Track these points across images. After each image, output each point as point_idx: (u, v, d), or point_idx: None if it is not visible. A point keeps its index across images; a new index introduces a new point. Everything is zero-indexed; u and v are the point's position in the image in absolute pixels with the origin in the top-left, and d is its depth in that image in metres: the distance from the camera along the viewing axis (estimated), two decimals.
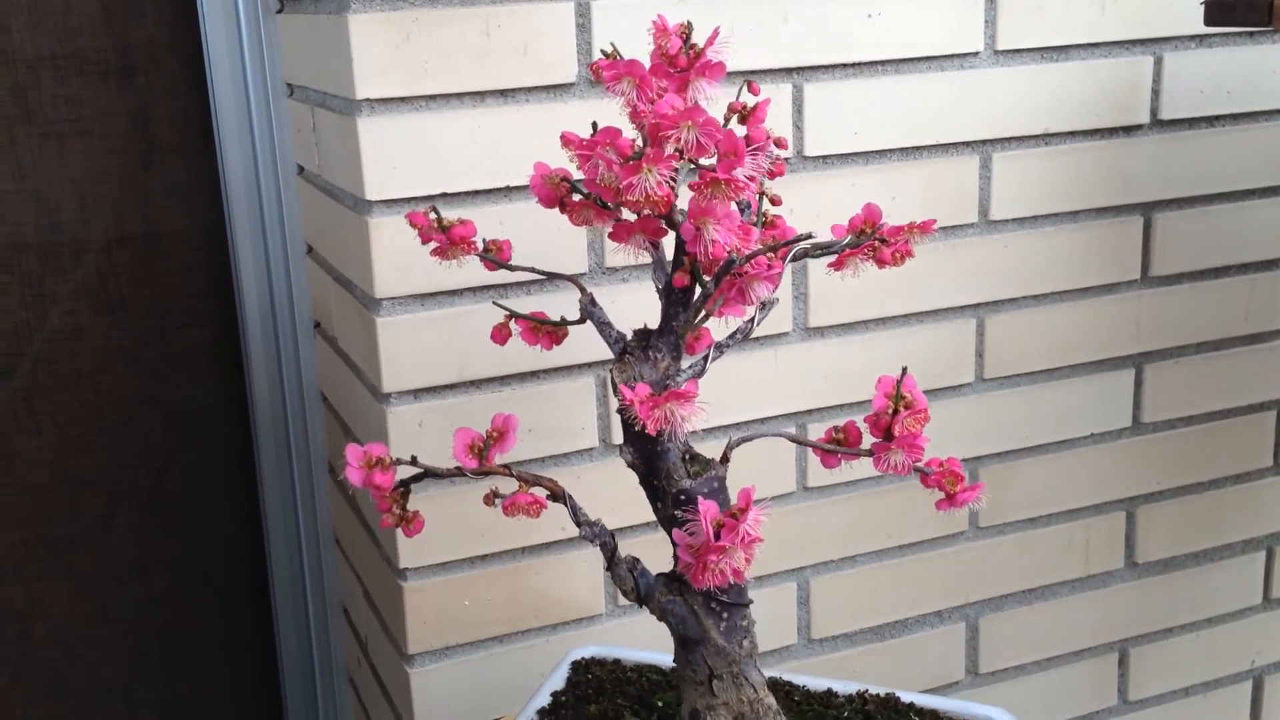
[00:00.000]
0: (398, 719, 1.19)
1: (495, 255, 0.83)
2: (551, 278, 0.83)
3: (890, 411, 0.76)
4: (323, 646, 1.44)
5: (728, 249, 0.71)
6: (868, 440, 0.78)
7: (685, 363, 0.79)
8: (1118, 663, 1.42)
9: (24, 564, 1.39)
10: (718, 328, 0.82)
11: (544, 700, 0.96)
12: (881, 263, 0.79)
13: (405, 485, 0.80)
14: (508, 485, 0.80)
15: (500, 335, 0.85)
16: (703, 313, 0.78)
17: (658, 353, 0.78)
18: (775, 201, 0.80)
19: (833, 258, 0.80)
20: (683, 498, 0.78)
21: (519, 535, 1.13)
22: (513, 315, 0.84)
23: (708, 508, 0.70)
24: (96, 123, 1.32)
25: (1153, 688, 1.44)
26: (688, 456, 0.79)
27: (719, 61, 0.71)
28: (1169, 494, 1.38)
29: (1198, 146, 1.29)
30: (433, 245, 0.81)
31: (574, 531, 0.88)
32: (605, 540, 0.81)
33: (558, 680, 0.98)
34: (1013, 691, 1.37)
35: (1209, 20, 1.09)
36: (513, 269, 0.84)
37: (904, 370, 0.77)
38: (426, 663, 1.13)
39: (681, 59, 0.72)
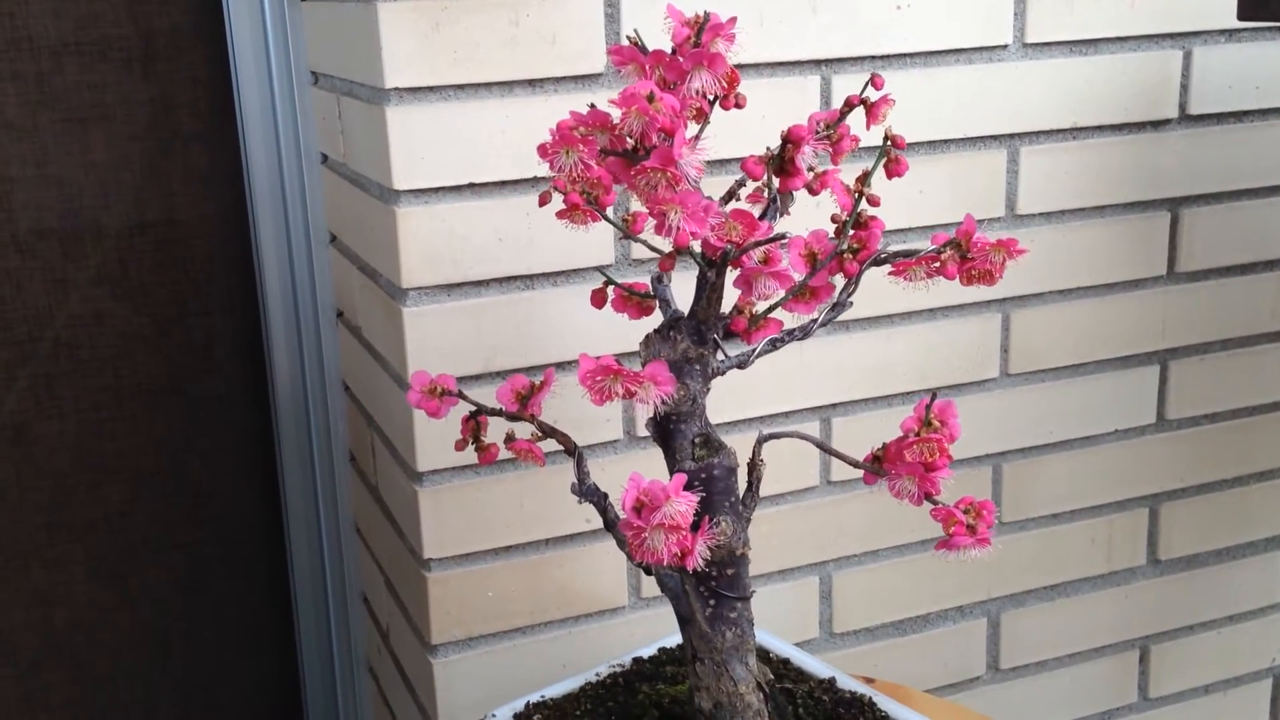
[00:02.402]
0: (420, 709, 1.20)
1: (628, 228, 0.82)
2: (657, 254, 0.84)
3: (914, 434, 0.75)
4: (342, 635, 1.45)
5: (693, 236, 0.70)
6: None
7: (734, 350, 0.79)
8: (1138, 660, 1.41)
9: (45, 548, 1.39)
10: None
11: (626, 660, 0.98)
12: (954, 278, 0.76)
13: (474, 418, 0.83)
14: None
15: (598, 299, 0.85)
16: (713, 300, 0.78)
17: (678, 333, 0.78)
18: (873, 202, 0.78)
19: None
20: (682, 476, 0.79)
21: (543, 527, 1.12)
22: (610, 282, 0.84)
23: (637, 484, 0.70)
24: (119, 109, 1.32)
25: (1173, 685, 1.44)
26: (698, 440, 0.79)
27: (717, 52, 0.71)
28: (1192, 491, 1.38)
29: (1226, 142, 1.28)
30: (558, 207, 0.80)
31: (598, 523, 0.88)
32: (597, 501, 0.82)
33: (651, 648, 1.00)
34: (1033, 687, 1.37)
35: (1243, 15, 1.08)
36: (638, 241, 0.83)
37: (933, 394, 0.76)
38: (449, 653, 1.13)
39: (686, 49, 0.72)
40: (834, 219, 0.78)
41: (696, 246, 0.75)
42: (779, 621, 1.22)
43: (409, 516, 1.12)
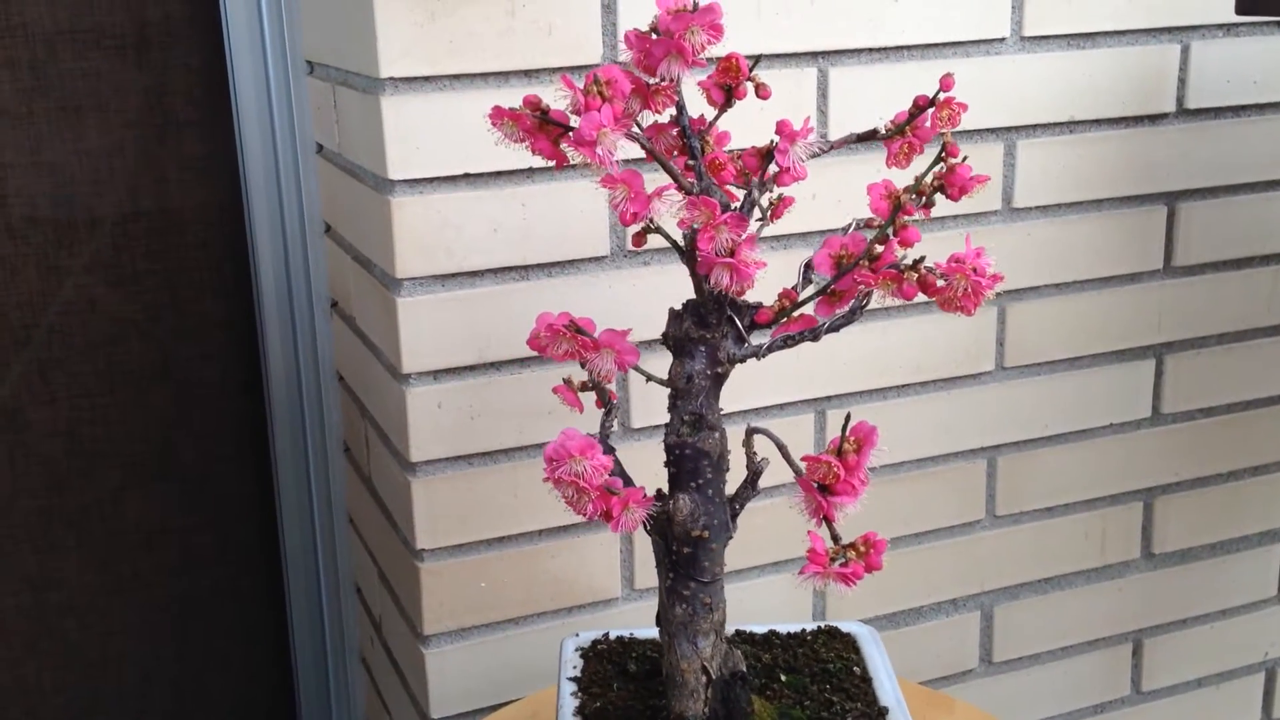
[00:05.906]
0: (412, 699, 1.20)
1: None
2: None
3: (834, 452, 0.75)
4: (335, 626, 1.45)
5: (634, 218, 0.72)
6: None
7: (755, 340, 0.80)
8: (1131, 653, 1.41)
9: (38, 534, 1.39)
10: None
11: (729, 629, 0.98)
12: (913, 298, 0.76)
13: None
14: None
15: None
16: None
17: (684, 313, 0.80)
18: (908, 211, 0.77)
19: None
20: (664, 449, 0.82)
21: (536, 518, 1.12)
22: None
23: (567, 436, 0.73)
24: (113, 97, 1.31)
25: (1166, 678, 1.44)
26: (688, 418, 0.81)
27: (684, 43, 0.71)
28: (1187, 485, 1.38)
29: (1223, 136, 1.28)
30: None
31: None
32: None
33: (763, 627, 1.01)
34: (1026, 681, 1.37)
35: (1240, 9, 1.07)
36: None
37: (848, 416, 0.77)
38: (442, 644, 1.13)
39: (665, 38, 0.72)
40: (869, 224, 0.79)
41: (678, 232, 0.77)
42: (774, 613, 1.23)
43: (402, 507, 1.12)
